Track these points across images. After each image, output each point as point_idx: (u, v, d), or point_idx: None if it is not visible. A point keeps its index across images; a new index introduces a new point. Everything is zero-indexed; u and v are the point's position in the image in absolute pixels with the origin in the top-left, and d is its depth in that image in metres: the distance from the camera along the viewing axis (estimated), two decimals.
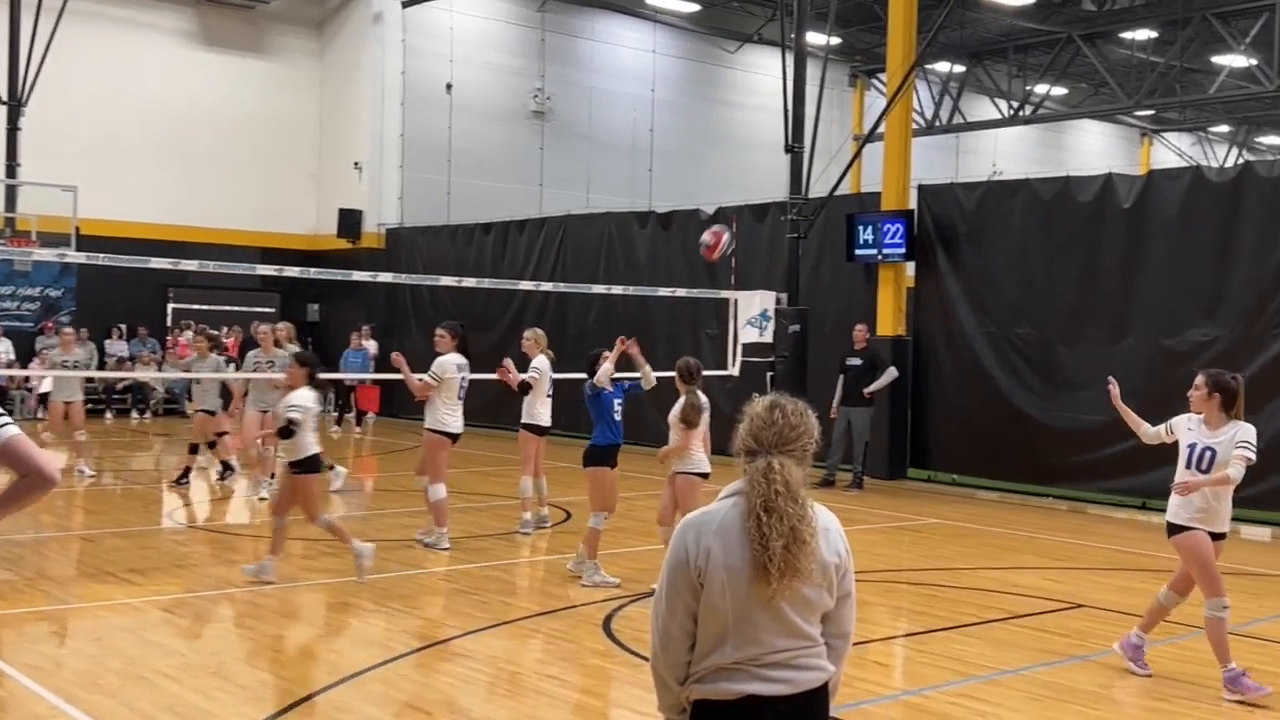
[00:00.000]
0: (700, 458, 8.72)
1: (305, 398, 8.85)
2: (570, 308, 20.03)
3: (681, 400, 8.72)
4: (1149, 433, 7.25)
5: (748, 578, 2.92)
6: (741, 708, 2.96)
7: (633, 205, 21.84)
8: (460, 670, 6.85)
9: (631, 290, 16.91)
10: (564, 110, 26.06)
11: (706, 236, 14.21)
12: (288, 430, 8.71)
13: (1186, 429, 6.81)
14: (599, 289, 16.95)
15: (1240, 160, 28.71)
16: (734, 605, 2.95)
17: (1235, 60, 24.49)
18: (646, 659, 7.04)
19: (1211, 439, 6.63)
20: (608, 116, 26.58)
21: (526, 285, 18.10)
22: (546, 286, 17.44)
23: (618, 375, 9.37)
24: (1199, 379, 6.81)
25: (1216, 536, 6.68)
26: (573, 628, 7.84)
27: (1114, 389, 7.28)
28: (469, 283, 16.26)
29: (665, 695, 3.11)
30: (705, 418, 8.71)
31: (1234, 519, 12.93)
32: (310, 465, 8.83)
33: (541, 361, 11.18)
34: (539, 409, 11.16)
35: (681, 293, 16.60)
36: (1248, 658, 7.32)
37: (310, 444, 8.78)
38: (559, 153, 25.78)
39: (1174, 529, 6.69)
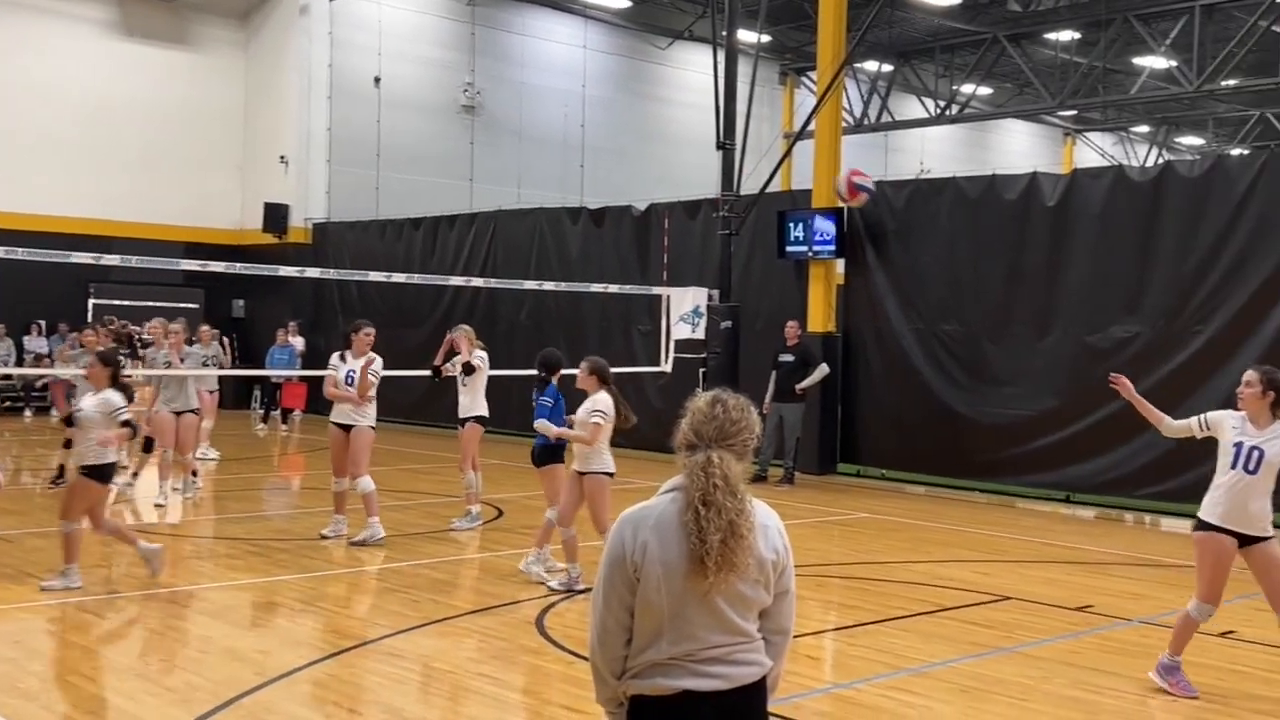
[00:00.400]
0: (608, 458, 8.69)
1: (102, 401, 8.45)
2: (502, 304, 19.93)
3: (605, 398, 8.57)
4: (1173, 426, 6.89)
5: (683, 573, 2.91)
6: (677, 703, 2.96)
7: (564, 201, 21.80)
8: (391, 670, 6.78)
9: (563, 286, 16.86)
10: (494, 105, 25.91)
11: (842, 187, 14.59)
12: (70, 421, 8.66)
13: (1231, 427, 6.45)
14: (530, 285, 16.88)
15: (1160, 160, 29.34)
16: (669, 601, 2.94)
17: (1156, 61, 25.00)
18: (580, 656, 7.05)
19: (1260, 438, 6.30)
20: (539, 112, 26.47)
21: (457, 281, 17.96)
22: (477, 282, 17.33)
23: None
24: (1251, 375, 6.43)
25: (1248, 540, 6.35)
26: (506, 626, 7.79)
27: (1125, 382, 7.06)
28: (398, 278, 16.11)
29: (603, 689, 3.11)
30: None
31: (1152, 511, 13.32)
32: (100, 473, 8.42)
33: (484, 354, 11.26)
34: (483, 401, 11.21)
35: (614, 289, 16.58)
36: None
37: (105, 452, 8.41)
38: (489, 148, 25.63)
39: (1199, 525, 6.42)
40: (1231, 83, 23.90)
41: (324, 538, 10.51)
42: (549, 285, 16.68)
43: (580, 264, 18.78)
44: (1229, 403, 12.68)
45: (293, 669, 6.65)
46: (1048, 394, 14.04)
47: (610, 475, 8.68)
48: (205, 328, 16.46)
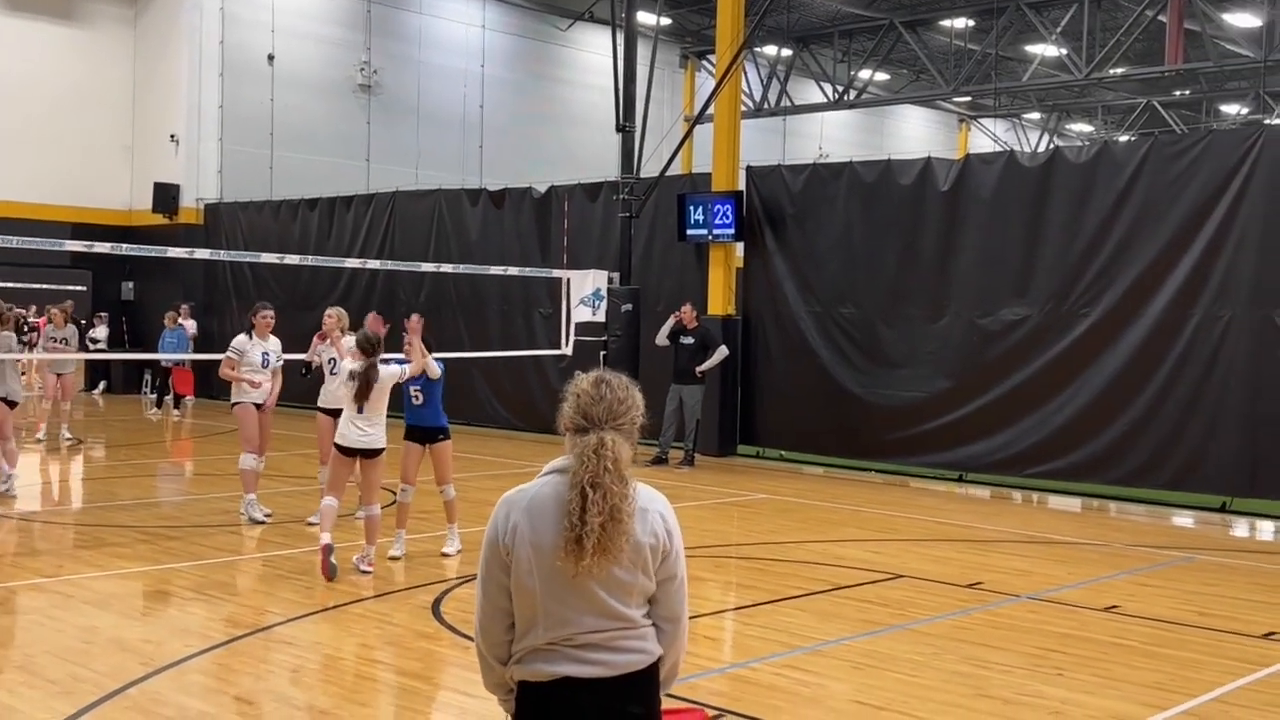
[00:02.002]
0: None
1: None
2: (400, 286, 19.68)
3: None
4: None
5: (555, 556, 2.86)
6: (555, 689, 2.91)
7: (464, 182, 21.58)
8: (282, 658, 6.66)
9: (462, 269, 16.70)
10: (392, 85, 25.52)
11: None
12: None
13: None
14: (428, 267, 16.68)
15: (1051, 146, 29.98)
16: (541, 584, 2.90)
17: (1047, 50, 25.54)
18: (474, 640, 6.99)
19: None
20: (437, 92, 26.15)
21: (352, 263, 17.67)
22: (373, 264, 17.06)
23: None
24: None
25: None
26: (399, 611, 7.71)
27: None
28: (291, 260, 15.80)
29: (489, 675, 3.07)
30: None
31: (1041, 490, 13.65)
32: None
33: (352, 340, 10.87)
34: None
35: (514, 271, 16.48)
36: (1058, 624, 7.67)
37: None
38: (387, 128, 25.25)
39: None
40: (1119, 71, 24.54)
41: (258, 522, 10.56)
42: (447, 268, 16.49)
43: (480, 246, 18.62)
44: (1116, 382, 13.13)
45: (182, 658, 6.50)
46: (940, 376, 14.31)
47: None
48: (55, 309, 15.99)
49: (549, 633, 2.92)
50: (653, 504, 2.97)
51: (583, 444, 2.92)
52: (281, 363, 10.82)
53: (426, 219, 19.67)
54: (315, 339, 10.67)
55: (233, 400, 10.76)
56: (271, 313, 10.73)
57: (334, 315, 10.58)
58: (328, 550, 8.40)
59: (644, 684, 2.95)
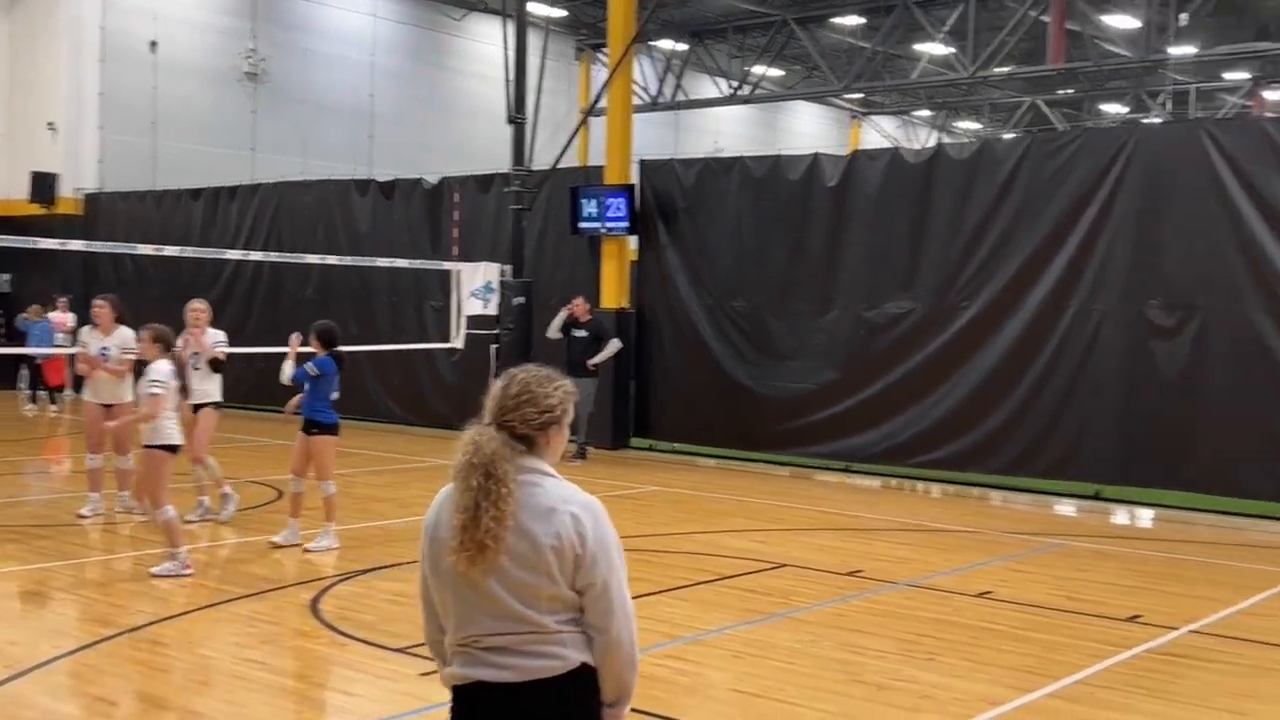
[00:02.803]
0: (171, 430, 8.37)
1: None
2: (288, 279, 19.32)
3: (166, 367, 8.32)
4: None
5: (447, 551, 2.84)
6: (471, 694, 2.88)
7: (353, 173, 21.25)
8: (154, 658, 6.51)
9: (349, 261, 16.45)
10: (279, 73, 25.00)
11: None
12: None
13: None
14: (313, 259, 16.40)
15: (935, 143, 30.54)
16: (440, 580, 2.89)
17: (935, 48, 26.01)
18: (354, 638, 6.91)
19: None
20: (326, 81, 25.69)
21: (234, 254, 17.26)
22: (256, 256, 16.71)
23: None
24: None
25: None
26: (277, 610, 7.58)
27: None
28: (170, 251, 15.42)
29: (440, 669, 3.05)
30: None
31: (924, 479, 13.91)
32: None
33: (220, 334, 10.55)
34: (211, 385, 10.42)
35: (403, 264, 16.28)
36: (932, 610, 7.84)
37: None
38: (274, 117, 24.74)
39: None
40: (1004, 70, 25.06)
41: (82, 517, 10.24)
42: (334, 260, 16.23)
43: (369, 238, 18.36)
44: (995, 374, 13.43)
45: (48, 659, 6.32)
46: (828, 368, 14.51)
47: (173, 449, 8.39)
48: None
49: (457, 632, 2.90)
50: (566, 505, 2.85)
51: (461, 439, 2.89)
52: (129, 356, 10.00)
53: (314, 210, 19.34)
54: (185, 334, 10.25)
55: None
56: (103, 304, 10.13)
57: (199, 308, 10.29)
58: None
59: (560, 692, 2.84)
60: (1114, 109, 35.60)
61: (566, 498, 2.86)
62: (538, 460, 2.92)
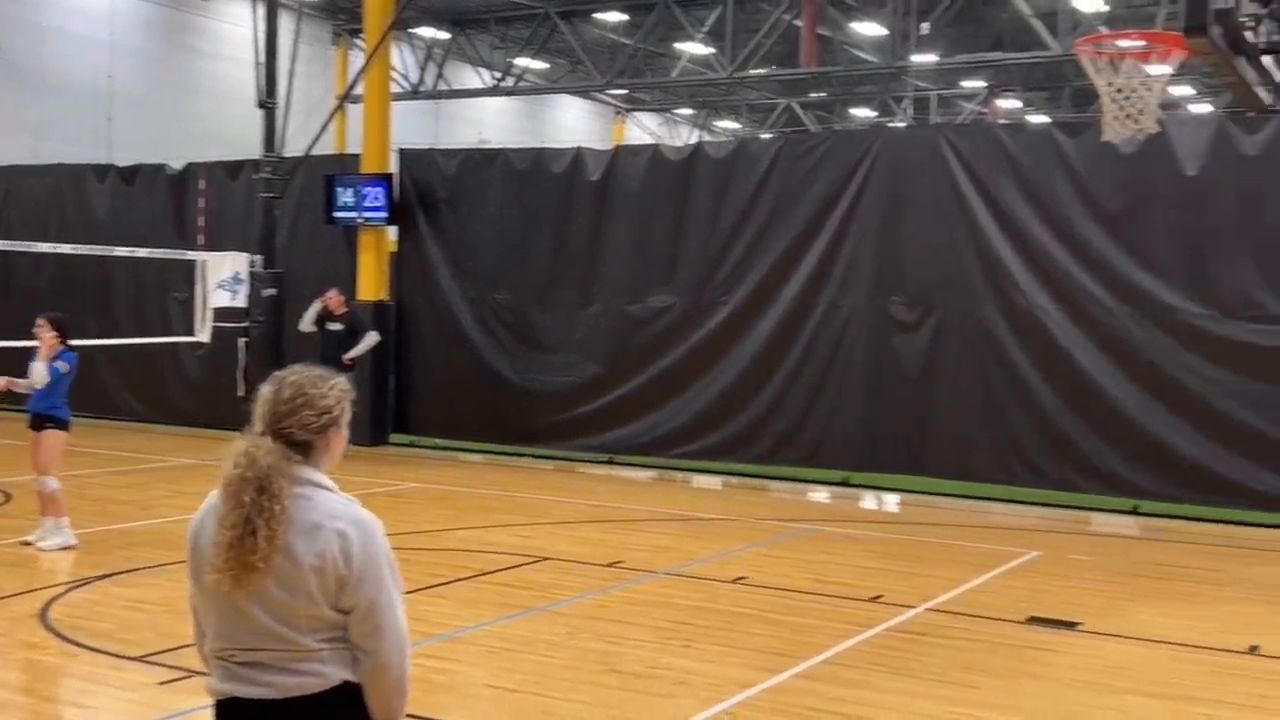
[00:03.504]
0: None
1: None
2: (18, 269, 18.03)
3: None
4: None
5: (209, 568, 2.68)
6: (227, 708, 2.75)
7: (91, 157, 20.03)
8: None
9: (84, 250, 15.46)
10: (7, 49, 23.29)
11: None
12: None
13: None
14: (45, 248, 15.34)
15: (695, 141, 31.21)
16: (199, 589, 2.75)
17: (695, 48, 26.54)
18: (88, 648, 6.50)
19: None
20: (60, 60, 24.08)
21: None
22: None
23: None
24: None
25: None
26: (2, 620, 7.05)
27: None
28: None
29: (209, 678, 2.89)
30: None
31: (686, 469, 14.18)
32: None
33: None
34: None
35: (144, 253, 15.43)
36: (690, 597, 7.97)
37: None
38: (2, 97, 23.05)
39: None
40: (760, 72, 25.81)
41: None
42: (66, 248, 15.21)
43: (108, 226, 17.30)
44: (752, 367, 13.81)
45: None
46: (591, 361, 14.60)
47: None
48: None
49: (214, 641, 2.76)
50: (333, 521, 2.71)
51: (232, 449, 2.72)
52: None
53: (47, 196, 18.12)
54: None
55: None
56: None
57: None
58: None
59: (320, 710, 2.70)
60: (862, 113, 37.19)
61: (335, 513, 2.72)
62: (313, 470, 2.79)
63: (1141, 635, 7.31)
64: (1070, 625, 7.50)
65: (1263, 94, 7.71)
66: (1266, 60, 7.40)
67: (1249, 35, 6.81)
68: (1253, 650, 7.07)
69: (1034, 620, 7.59)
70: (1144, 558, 10.14)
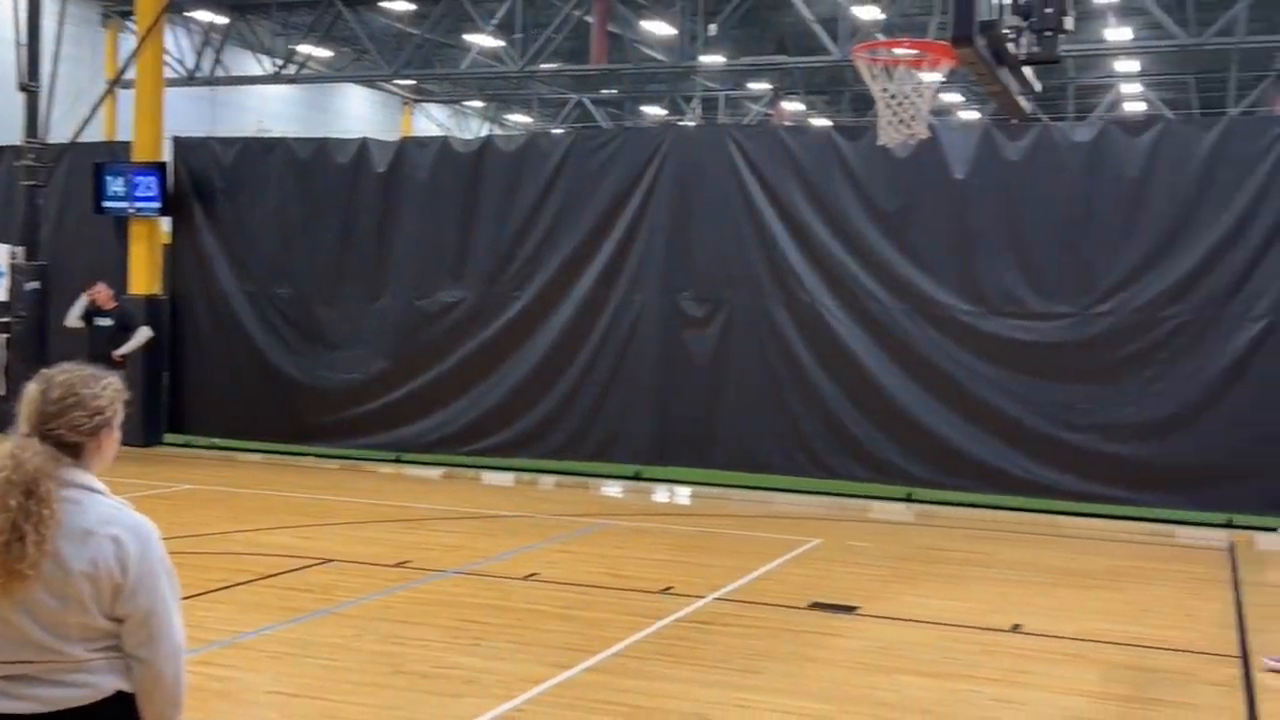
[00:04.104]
0: None
1: None
2: None
3: None
4: None
5: None
6: None
7: None
8: None
9: None
10: None
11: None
12: None
13: None
14: None
15: (485, 134, 31.01)
16: None
17: (485, 40, 26.32)
18: None
19: None
20: None
21: None
22: None
23: None
24: None
25: None
26: None
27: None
28: None
29: None
30: None
31: (477, 466, 14.04)
32: None
33: None
34: None
35: None
36: (480, 595, 7.90)
37: None
38: None
39: None
40: (551, 66, 25.79)
41: None
42: None
43: None
44: (544, 362, 13.79)
45: None
46: (379, 357, 14.31)
47: None
48: None
49: None
50: (107, 527, 2.60)
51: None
52: None
53: None
54: None
55: None
56: None
57: None
58: None
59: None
60: (653, 110, 37.67)
61: (108, 519, 2.62)
62: (83, 473, 2.66)
63: (914, 616, 7.64)
64: (849, 609, 7.76)
65: (1024, 103, 8.12)
66: (1027, 71, 7.80)
67: (1011, 47, 7.15)
68: (1015, 629, 7.47)
69: (816, 605, 7.83)
70: (917, 542, 10.59)
